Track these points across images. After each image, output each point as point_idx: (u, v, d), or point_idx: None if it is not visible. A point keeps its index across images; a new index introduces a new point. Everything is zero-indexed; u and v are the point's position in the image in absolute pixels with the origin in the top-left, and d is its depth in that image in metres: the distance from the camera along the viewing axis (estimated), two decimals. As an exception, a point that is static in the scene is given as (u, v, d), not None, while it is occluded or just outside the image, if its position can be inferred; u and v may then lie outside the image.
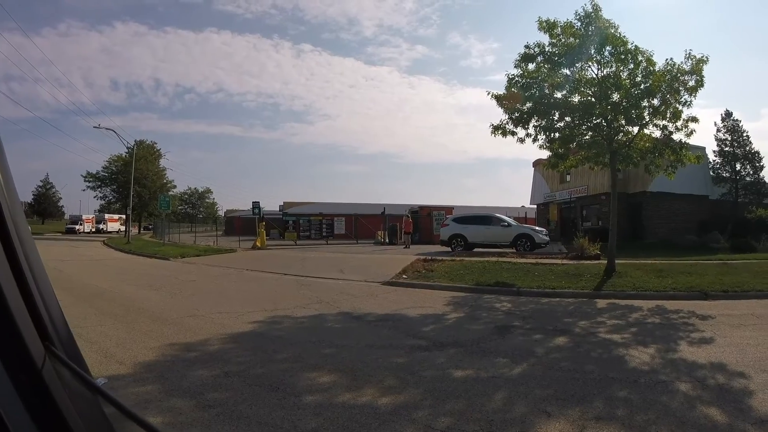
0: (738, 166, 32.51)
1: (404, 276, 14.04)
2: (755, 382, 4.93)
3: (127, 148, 43.64)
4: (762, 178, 32.45)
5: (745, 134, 32.93)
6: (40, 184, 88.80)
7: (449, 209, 35.65)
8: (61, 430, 0.92)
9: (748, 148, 32.59)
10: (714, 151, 33.08)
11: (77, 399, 1.00)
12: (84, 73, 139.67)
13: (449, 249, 23.05)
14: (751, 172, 32.48)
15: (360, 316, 8.80)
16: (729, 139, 32.93)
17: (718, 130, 33.25)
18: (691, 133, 12.91)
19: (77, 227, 60.47)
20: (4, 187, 0.99)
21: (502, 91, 13.23)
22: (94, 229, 63.80)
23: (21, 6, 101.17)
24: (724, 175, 32.52)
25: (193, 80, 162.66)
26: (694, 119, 12.81)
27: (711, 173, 31.96)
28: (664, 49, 62.87)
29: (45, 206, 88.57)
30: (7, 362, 0.89)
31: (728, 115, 33.36)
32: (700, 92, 12.49)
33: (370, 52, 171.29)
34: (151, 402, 4.40)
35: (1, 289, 0.91)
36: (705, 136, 49.41)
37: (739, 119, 33.63)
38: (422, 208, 37.18)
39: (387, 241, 32.92)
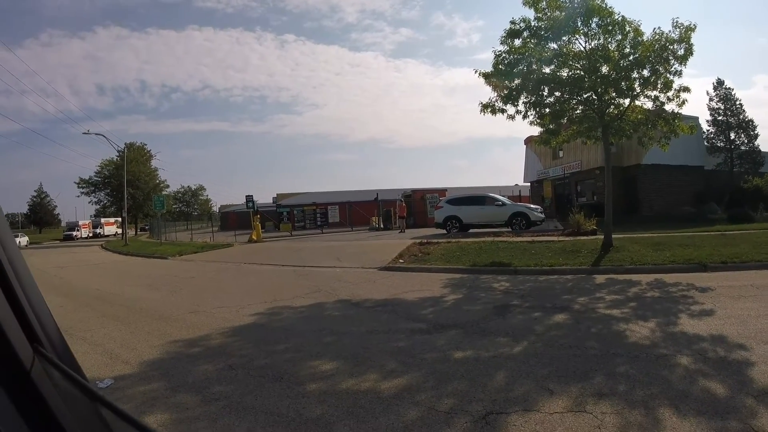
0: (732, 135, 32.34)
1: (401, 260, 14.09)
2: (756, 353, 4.93)
3: (118, 151, 43.63)
4: (757, 147, 32.23)
5: (738, 103, 32.74)
6: (35, 194, 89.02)
7: (442, 191, 35.76)
8: (52, 429, 0.93)
9: (741, 117, 32.40)
10: (707, 121, 32.87)
11: (69, 398, 1.00)
12: (69, 80, 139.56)
13: (444, 231, 23.07)
14: (746, 141, 32.28)
15: (359, 302, 8.84)
16: (722, 108, 32.73)
17: (711, 100, 33.06)
18: (683, 103, 12.88)
19: (75, 233, 60.21)
20: None
21: (489, 69, 13.16)
22: (91, 234, 63.50)
23: (1, 20, 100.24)
24: (719, 144, 32.32)
25: (179, 79, 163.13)
26: (686, 89, 12.75)
27: (705, 143, 31.80)
28: (651, 19, 62.56)
29: (41, 215, 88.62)
30: None
31: (720, 83, 33.18)
32: (691, 61, 12.43)
33: (354, 39, 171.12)
34: (158, 399, 4.43)
35: None
36: (698, 106, 49.57)
37: (732, 87, 33.62)
38: (415, 191, 37.20)
39: (382, 226, 33.02)
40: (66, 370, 1.01)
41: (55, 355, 1.04)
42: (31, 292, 1.06)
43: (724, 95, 32.92)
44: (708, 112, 33.21)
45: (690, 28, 12.14)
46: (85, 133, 38.61)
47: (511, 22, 12.91)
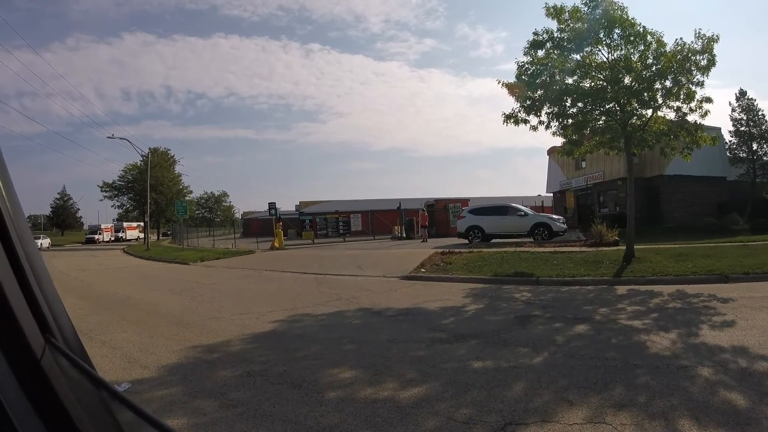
0: (755, 146, 31.71)
1: (422, 270, 14.05)
2: (779, 364, 4.81)
3: (142, 156, 44.14)
4: (780, 157, 31.61)
5: (760, 113, 32.06)
6: (58, 196, 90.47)
7: (465, 201, 35.55)
8: (61, 418, 0.95)
9: (764, 127, 31.72)
10: (730, 132, 32.27)
11: (77, 388, 1.03)
12: (95, 84, 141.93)
13: (466, 241, 22.97)
14: (768, 151, 31.71)
15: (379, 311, 8.83)
16: (744, 118, 32.12)
17: (733, 110, 32.48)
18: (706, 113, 12.71)
19: (97, 237, 61.20)
20: (3, 187, 1.03)
21: (513, 79, 13.16)
22: (113, 238, 64.52)
23: (28, 23, 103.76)
24: (741, 155, 31.72)
25: (204, 86, 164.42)
26: (708, 99, 12.59)
27: (728, 154, 31.24)
28: (673, 29, 61.97)
29: (63, 218, 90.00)
30: (7, 353, 0.93)
31: (743, 94, 32.57)
32: (713, 72, 12.28)
33: (378, 48, 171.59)
34: (176, 404, 4.47)
35: (0, 283, 0.94)
36: (720, 117, 48.72)
37: (754, 98, 33.13)
38: (438, 201, 37.07)
39: (404, 235, 32.95)
40: (75, 360, 1.04)
41: (66, 347, 1.07)
42: (45, 286, 1.09)
43: (746, 106, 32.32)
44: (730, 123, 32.69)
45: (713, 39, 12.01)
46: (109, 137, 39.18)
47: (534, 33, 12.91)
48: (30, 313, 1.01)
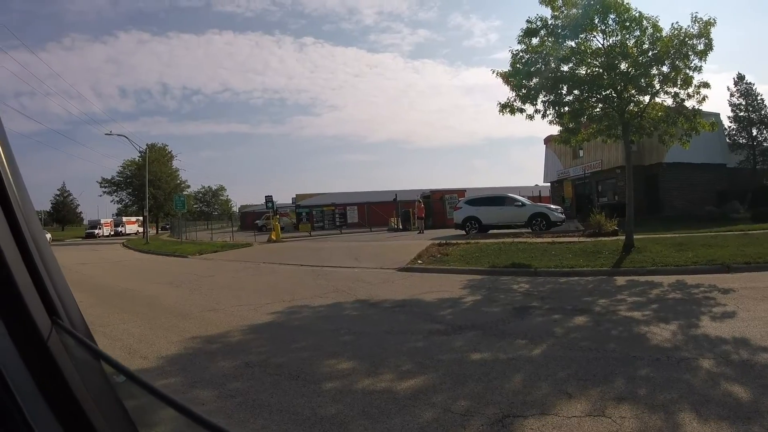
0: (754, 132, 31.64)
1: (419, 261, 14.05)
2: (780, 355, 4.79)
3: (140, 152, 44.25)
4: (780, 143, 31.48)
5: (759, 98, 32.05)
6: (58, 192, 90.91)
7: (461, 192, 35.46)
8: (66, 398, 0.98)
9: (763, 112, 31.66)
10: (729, 117, 32.19)
11: (84, 369, 1.06)
12: (92, 83, 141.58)
13: (463, 232, 22.87)
14: (768, 137, 31.59)
15: (377, 302, 8.83)
16: (743, 103, 32.04)
17: (732, 95, 32.41)
18: (704, 99, 12.68)
19: (96, 231, 61.22)
20: (11, 175, 1.06)
21: (507, 68, 13.08)
22: (113, 233, 64.57)
23: (24, 24, 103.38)
24: (741, 141, 31.62)
25: (199, 82, 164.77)
26: (706, 84, 12.56)
27: (727, 140, 31.09)
28: (670, 14, 61.63)
29: (64, 214, 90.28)
30: (14, 334, 0.95)
31: (741, 78, 32.49)
32: (711, 57, 12.24)
33: (372, 40, 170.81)
34: (175, 394, 4.37)
35: (9, 266, 0.96)
36: (719, 102, 48.36)
37: (753, 82, 32.85)
38: (434, 192, 36.96)
39: (400, 227, 32.98)
40: (82, 339, 1.08)
41: (72, 328, 1.10)
42: (51, 269, 1.12)
43: (745, 90, 32.22)
44: (729, 108, 32.60)
45: (709, 23, 11.95)
46: (107, 134, 39.43)
47: (527, 21, 12.77)
48: (37, 295, 1.04)
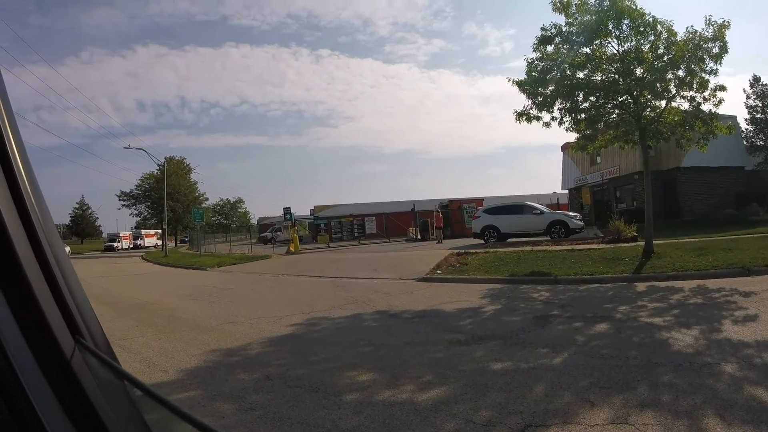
0: (772, 133, 31.13)
1: (438, 271, 14.00)
2: (805, 358, 4.70)
3: (158, 165, 44.67)
4: (798, 143, 30.78)
5: (775, 99, 31.54)
6: (77, 206, 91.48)
7: (479, 201, 35.34)
8: (89, 418, 0.97)
9: (780, 113, 31.21)
10: (745, 120, 31.53)
11: (107, 388, 1.05)
12: (111, 97, 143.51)
13: (482, 241, 22.80)
14: (787, 138, 30.94)
15: (396, 313, 8.80)
16: (760, 105, 31.46)
17: (748, 97, 31.78)
18: (720, 102, 12.58)
19: (115, 245, 61.74)
20: (32, 194, 1.06)
21: (523, 76, 13.07)
22: (132, 246, 65.18)
23: (42, 39, 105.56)
24: (758, 143, 31.00)
25: (217, 95, 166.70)
26: (722, 88, 12.46)
27: (744, 143, 30.45)
28: (684, 17, 61.06)
29: (83, 227, 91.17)
30: (37, 354, 0.95)
31: (756, 80, 31.82)
32: (726, 59, 12.21)
33: (387, 51, 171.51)
34: (195, 407, 4.48)
35: (31, 286, 0.96)
36: (735, 105, 47.69)
37: (769, 84, 32.17)
38: (452, 201, 36.85)
39: (419, 237, 32.89)
40: (104, 358, 1.08)
41: (95, 347, 1.10)
42: (74, 288, 1.12)
43: (761, 92, 31.59)
44: (746, 111, 31.99)
45: (724, 26, 11.90)
46: (126, 148, 39.64)
47: (542, 28, 12.83)
48: (60, 314, 1.04)
